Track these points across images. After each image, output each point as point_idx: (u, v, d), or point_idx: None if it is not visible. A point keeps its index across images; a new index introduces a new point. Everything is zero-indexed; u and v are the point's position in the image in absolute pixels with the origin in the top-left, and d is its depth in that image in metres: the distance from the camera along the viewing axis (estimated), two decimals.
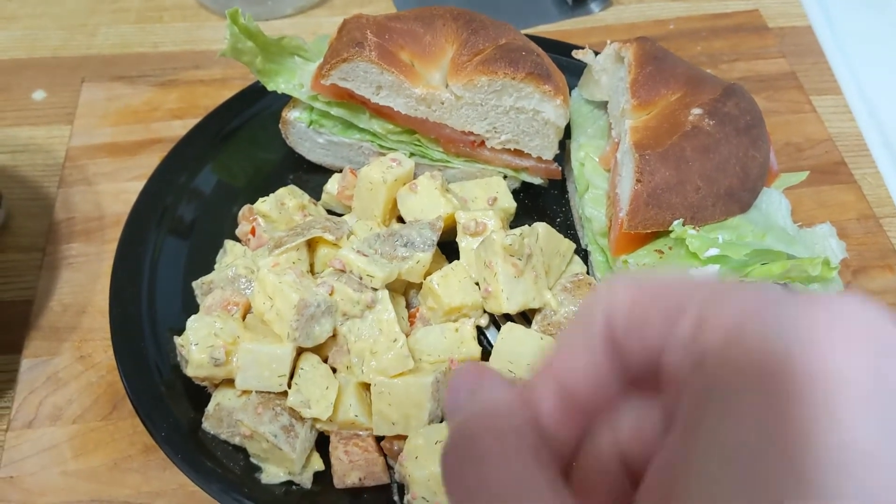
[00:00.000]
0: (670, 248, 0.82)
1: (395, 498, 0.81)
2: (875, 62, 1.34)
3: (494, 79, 0.93)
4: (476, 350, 0.87)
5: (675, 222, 0.81)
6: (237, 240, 0.99)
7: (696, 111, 0.86)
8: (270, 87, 1.03)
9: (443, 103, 0.96)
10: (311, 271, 0.91)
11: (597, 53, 1.02)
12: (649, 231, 0.82)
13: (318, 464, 0.82)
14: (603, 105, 1.04)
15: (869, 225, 1.08)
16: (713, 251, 0.78)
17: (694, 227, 0.81)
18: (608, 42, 1.00)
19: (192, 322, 0.82)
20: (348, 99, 0.99)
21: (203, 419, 0.83)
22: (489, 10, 1.41)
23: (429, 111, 0.97)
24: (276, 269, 0.84)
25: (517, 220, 1.02)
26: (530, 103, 0.95)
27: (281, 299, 0.81)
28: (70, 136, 1.19)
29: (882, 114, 1.25)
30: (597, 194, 0.95)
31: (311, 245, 0.92)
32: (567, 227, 1.04)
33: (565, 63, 1.06)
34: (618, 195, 0.87)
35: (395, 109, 0.97)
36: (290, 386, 0.80)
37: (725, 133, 0.84)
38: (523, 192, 1.07)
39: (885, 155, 1.19)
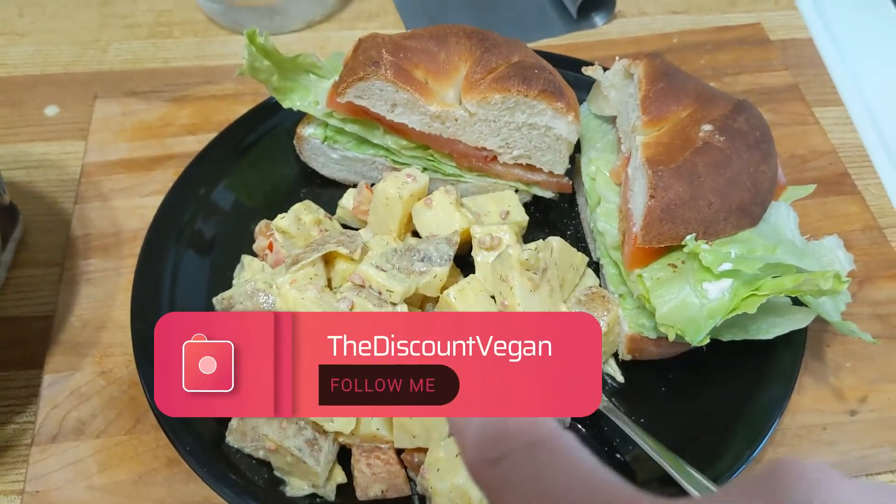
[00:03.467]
0: (683, 263, 0.84)
1: None
2: (876, 73, 1.36)
3: (508, 96, 0.95)
4: None
5: (689, 237, 0.82)
6: (254, 255, 1.00)
7: (707, 127, 0.87)
8: (286, 105, 1.04)
9: (457, 120, 0.98)
10: (329, 286, 0.93)
11: (605, 69, 1.04)
12: (663, 245, 0.84)
13: (340, 476, 0.83)
14: (612, 119, 1.05)
15: (874, 235, 1.10)
16: (726, 266, 0.80)
17: (707, 242, 0.82)
18: (616, 58, 1.02)
19: None
20: (363, 116, 1.01)
21: (227, 433, 0.84)
22: (494, 24, 1.43)
23: (443, 128, 0.99)
24: (295, 284, 0.86)
25: (529, 233, 1.04)
26: (542, 120, 0.97)
27: None
28: (84, 151, 1.20)
29: (884, 125, 1.28)
30: (608, 208, 0.97)
31: (329, 260, 0.93)
32: (578, 240, 1.06)
33: (573, 78, 1.08)
34: (630, 210, 0.89)
35: (410, 126, 0.99)
36: None
37: (736, 149, 0.86)
38: (534, 206, 1.09)
39: (887, 166, 1.21)
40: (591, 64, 1.06)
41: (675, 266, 0.84)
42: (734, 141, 0.87)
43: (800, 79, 1.32)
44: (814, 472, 0.34)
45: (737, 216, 0.84)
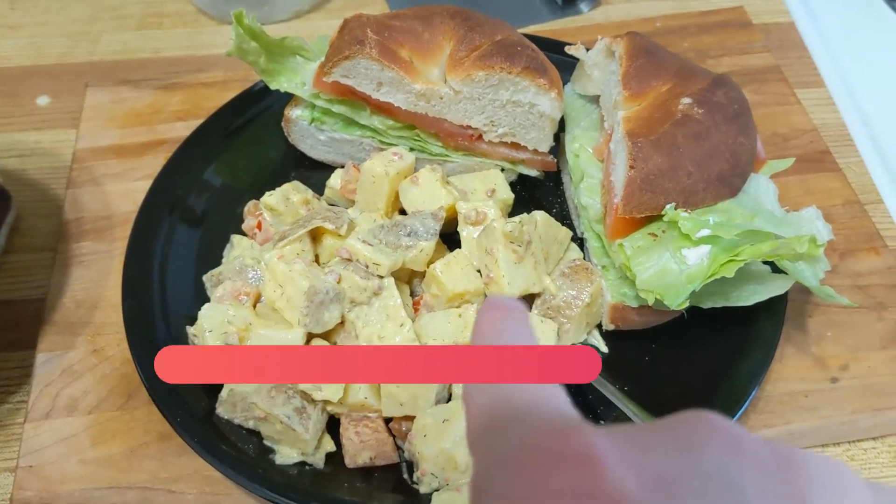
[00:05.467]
0: (664, 232, 0.86)
1: (405, 475, 0.84)
2: (857, 55, 1.38)
3: (491, 73, 0.96)
4: None
5: (668, 206, 0.84)
6: (243, 234, 1.02)
7: (686, 100, 0.89)
8: (273, 86, 1.06)
9: (441, 98, 1.00)
10: (317, 262, 0.94)
11: (588, 49, 1.06)
12: (643, 215, 0.86)
13: (329, 445, 0.85)
14: (595, 99, 1.07)
15: (854, 210, 1.12)
16: (705, 232, 0.81)
17: (686, 211, 0.84)
18: (599, 38, 1.04)
19: (206, 310, 0.85)
20: (349, 96, 1.03)
21: (217, 405, 0.86)
22: (482, 10, 1.44)
23: (428, 106, 1.01)
24: (283, 259, 0.88)
25: (515, 211, 1.05)
26: (526, 97, 0.99)
27: (291, 287, 0.84)
28: (76, 139, 1.21)
29: (865, 105, 1.30)
30: (591, 183, 0.99)
31: (316, 237, 0.95)
32: (563, 217, 1.07)
33: (558, 60, 1.09)
34: (612, 182, 0.91)
35: (396, 105, 1.01)
36: None
37: (715, 121, 0.88)
38: (520, 184, 1.11)
39: (868, 144, 1.23)
40: (574, 44, 1.07)
41: (656, 235, 0.86)
42: (713, 113, 0.88)
43: (782, 61, 1.34)
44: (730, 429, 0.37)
45: (716, 186, 0.86)
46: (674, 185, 0.85)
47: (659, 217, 0.86)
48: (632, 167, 0.86)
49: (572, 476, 0.34)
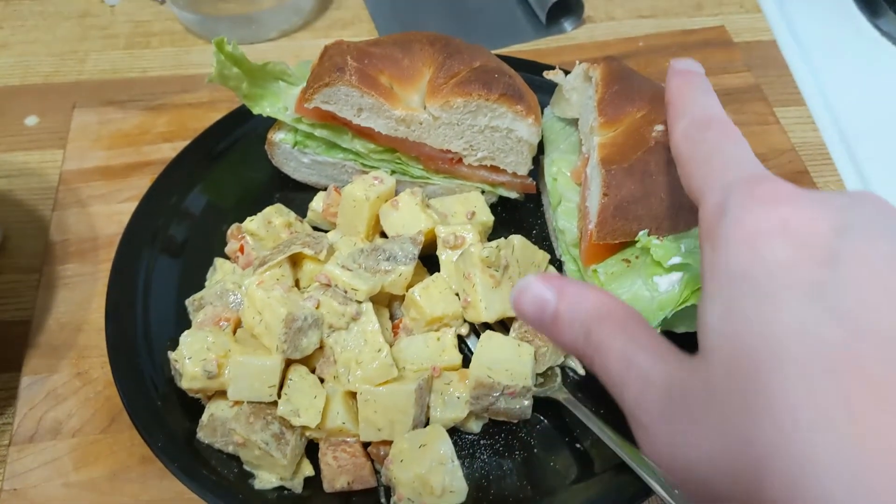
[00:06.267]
0: (637, 258, 0.87)
1: (382, 500, 0.85)
2: (838, 73, 1.40)
3: (469, 100, 0.98)
4: (457, 358, 0.91)
5: (641, 233, 0.85)
6: (227, 258, 1.03)
7: (660, 128, 0.90)
8: (256, 111, 1.07)
9: (421, 123, 1.01)
10: (297, 286, 0.96)
11: (567, 73, 1.07)
12: (617, 241, 0.87)
13: (308, 469, 0.86)
14: (574, 122, 1.08)
15: None
16: (676, 259, 0.83)
17: (658, 238, 0.85)
18: (577, 62, 1.05)
19: (186, 337, 0.86)
20: (331, 121, 1.04)
21: (198, 429, 0.87)
22: (466, 29, 1.47)
23: (408, 131, 1.02)
24: (262, 285, 0.89)
25: (495, 233, 1.06)
26: (504, 122, 1.00)
27: (270, 313, 0.85)
28: (63, 160, 1.23)
29: (844, 123, 1.31)
30: (569, 207, 1.00)
31: (297, 262, 0.96)
32: (542, 239, 1.09)
33: (539, 82, 1.11)
34: (587, 208, 0.92)
35: (376, 130, 1.02)
36: (279, 396, 0.85)
37: None
38: (501, 206, 1.12)
39: (847, 163, 1.25)
40: (553, 68, 1.09)
41: (629, 261, 0.87)
42: None
43: (763, 79, 1.36)
44: None
45: (688, 212, 0.87)
46: (646, 211, 0.86)
47: (633, 243, 0.88)
48: (605, 194, 0.87)
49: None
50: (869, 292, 0.42)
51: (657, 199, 0.86)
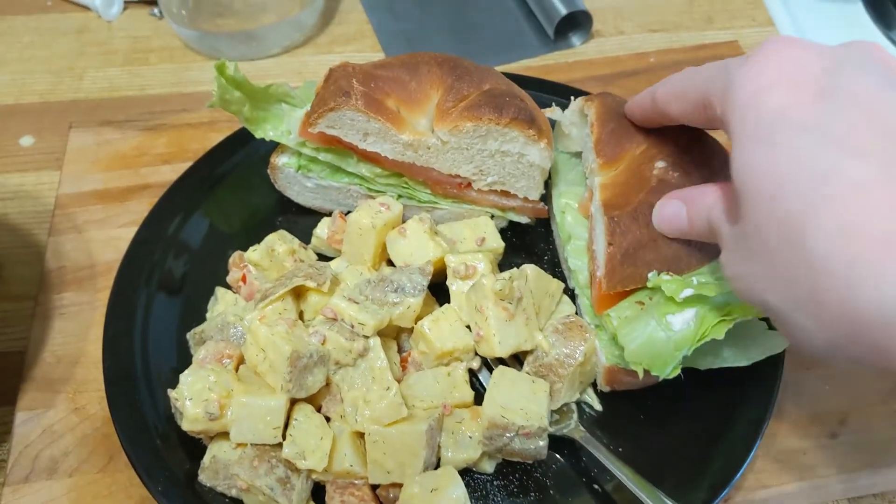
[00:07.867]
0: (651, 299, 0.83)
1: None
2: None
3: (479, 124, 0.94)
4: (469, 394, 0.88)
5: (651, 274, 0.82)
6: (228, 286, 0.99)
7: (661, 164, 0.87)
8: (258, 135, 1.04)
9: (429, 148, 0.98)
10: (301, 318, 0.92)
11: (564, 108, 1.03)
12: (628, 289, 0.83)
13: None
14: (578, 154, 1.05)
15: None
16: (688, 292, 0.78)
17: (669, 275, 0.81)
18: (572, 98, 1.02)
19: (186, 376, 0.83)
20: (336, 145, 1.01)
21: (199, 472, 0.83)
22: (472, 46, 1.43)
23: (416, 156, 0.99)
24: (265, 321, 0.85)
25: (506, 258, 1.03)
26: (515, 147, 0.97)
27: (273, 351, 0.81)
28: (59, 182, 1.19)
29: None
30: (579, 246, 0.97)
31: (300, 294, 0.92)
32: (555, 265, 1.05)
33: (548, 100, 1.07)
34: (595, 252, 0.89)
35: (383, 155, 0.99)
36: (284, 437, 0.81)
37: (692, 183, 0.84)
38: (511, 231, 1.09)
39: None
40: (565, 87, 1.05)
41: (643, 303, 0.83)
42: (689, 175, 0.86)
43: None
44: None
45: (700, 250, 0.83)
46: (655, 255, 0.82)
47: (646, 285, 0.84)
48: (610, 243, 0.84)
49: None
50: (858, 117, 0.55)
51: (665, 240, 0.83)
